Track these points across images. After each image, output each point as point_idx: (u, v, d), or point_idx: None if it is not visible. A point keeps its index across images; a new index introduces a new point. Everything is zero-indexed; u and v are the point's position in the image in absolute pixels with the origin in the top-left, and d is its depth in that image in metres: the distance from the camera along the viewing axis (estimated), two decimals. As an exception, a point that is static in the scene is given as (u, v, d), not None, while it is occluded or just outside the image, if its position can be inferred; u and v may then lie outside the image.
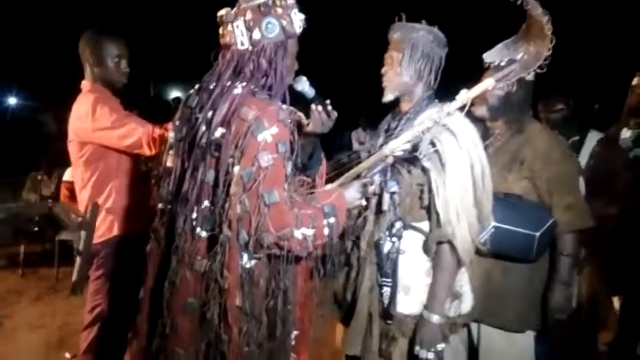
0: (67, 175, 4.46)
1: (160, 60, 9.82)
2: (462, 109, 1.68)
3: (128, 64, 2.39)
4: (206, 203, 1.45)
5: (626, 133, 2.94)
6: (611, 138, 2.95)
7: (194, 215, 1.46)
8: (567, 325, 2.37)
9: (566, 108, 3.34)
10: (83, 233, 2.17)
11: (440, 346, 1.72)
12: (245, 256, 1.45)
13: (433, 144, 1.69)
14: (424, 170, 1.73)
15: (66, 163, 2.42)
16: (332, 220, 1.51)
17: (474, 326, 2.17)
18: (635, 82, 2.96)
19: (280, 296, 1.52)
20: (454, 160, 1.66)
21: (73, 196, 2.86)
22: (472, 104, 1.98)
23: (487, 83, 1.70)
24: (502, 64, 1.78)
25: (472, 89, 1.69)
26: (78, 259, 2.19)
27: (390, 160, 1.77)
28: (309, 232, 1.45)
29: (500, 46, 1.78)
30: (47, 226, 5.35)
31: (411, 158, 1.74)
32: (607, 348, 3.03)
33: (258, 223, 1.38)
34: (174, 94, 11.63)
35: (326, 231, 1.50)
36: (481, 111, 2.13)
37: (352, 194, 1.67)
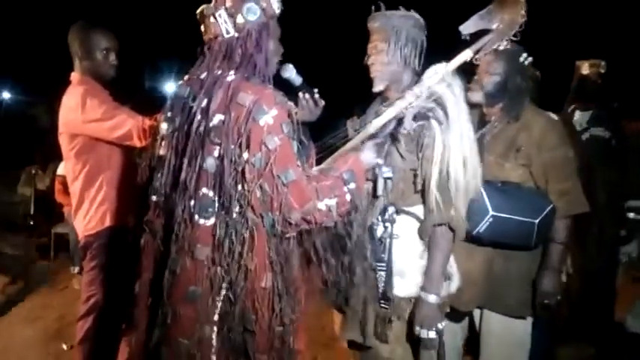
0: (61, 169, 4.48)
1: (154, 53, 9.77)
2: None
3: (117, 56, 2.38)
4: (204, 190, 1.45)
5: (579, 115, 3.14)
6: (567, 121, 3.07)
7: (192, 203, 1.46)
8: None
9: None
10: None
11: (440, 325, 1.76)
12: (273, 239, 1.47)
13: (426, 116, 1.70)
14: (418, 155, 1.75)
15: (60, 156, 2.43)
16: (352, 185, 1.54)
17: (476, 312, 2.19)
18: (583, 68, 3.18)
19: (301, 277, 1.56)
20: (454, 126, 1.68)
21: (66, 190, 2.88)
22: (468, 90, 2.00)
23: (465, 55, 1.70)
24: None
25: (451, 62, 1.69)
26: None
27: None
28: (332, 201, 1.48)
29: (475, 17, 1.76)
30: (43, 219, 5.38)
31: (412, 136, 1.73)
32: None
33: (281, 204, 1.41)
34: (169, 87, 11.57)
35: (348, 197, 1.52)
36: (477, 97, 2.11)
37: (368, 155, 1.69)
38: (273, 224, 1.43)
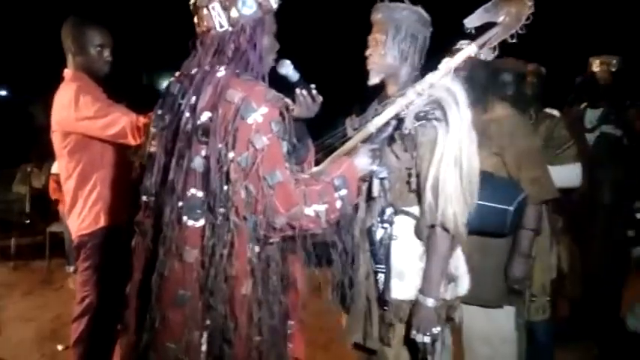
0: (55, 168, 4.44)
1: (152, 50, 9.74)
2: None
3: (111, 53, 2.35)
4: (192, 191, 1.40)
5: (590, 113, 3.14)
6: (576, 118, 3.11)
7: (180, 204, 1.41)
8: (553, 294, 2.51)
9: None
10: None
11: (436, 330, 1.71)
12: (255, 243, 1.42)
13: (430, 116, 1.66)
14: (412, 154, 1.71)
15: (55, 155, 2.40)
16: (343, 192, 1.48)
17: None
18: (594, 66, 3.20)
19: (288, 283, 1.51)
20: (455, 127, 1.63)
21: (60, 188, 2.84)
22: None
23: (469, 50, 1.66)
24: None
25: (454, 57, 1.65)
26: None
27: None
28: (321, 207, 1.42)
29: (480, 10, 1.72)
30: (38, 218, 5.34)
31: (408, 135, 1.69)
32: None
33: (265, 207, 1.36)
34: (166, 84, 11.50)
35: (338, 204, 1.46)
36: None
37: (363, 160, 1.62)
38: (255, 227, 1.38)
